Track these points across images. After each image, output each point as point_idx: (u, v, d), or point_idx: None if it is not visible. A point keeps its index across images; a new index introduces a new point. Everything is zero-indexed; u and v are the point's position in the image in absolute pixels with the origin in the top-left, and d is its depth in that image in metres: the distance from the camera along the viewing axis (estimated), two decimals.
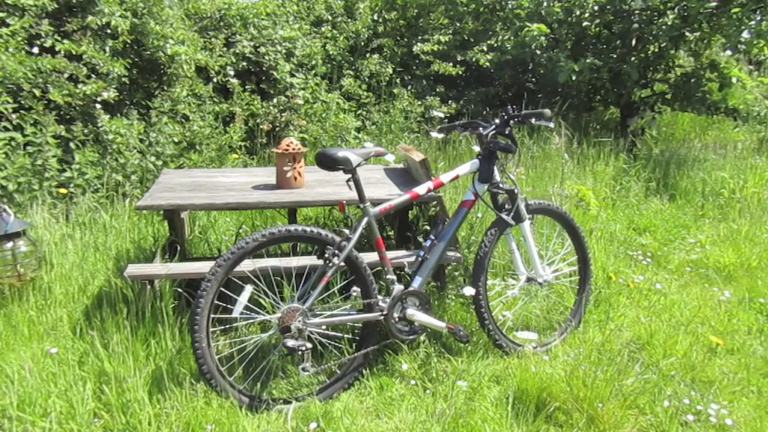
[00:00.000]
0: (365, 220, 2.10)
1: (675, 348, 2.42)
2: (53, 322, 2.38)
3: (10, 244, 2.54)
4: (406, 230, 3.04)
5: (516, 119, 2.34)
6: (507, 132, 2.36)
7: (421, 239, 2.66)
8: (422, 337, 2.33)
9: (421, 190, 2.27)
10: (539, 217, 2.78)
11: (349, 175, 2.07)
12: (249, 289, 2.00)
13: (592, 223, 3.57)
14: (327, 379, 2.13)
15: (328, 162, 2.06)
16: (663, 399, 2.07)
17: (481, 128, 2.35)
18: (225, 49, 4.62)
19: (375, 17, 5.77)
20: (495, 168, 2.37)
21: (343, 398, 2.07)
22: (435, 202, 2.80)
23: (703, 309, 2.81)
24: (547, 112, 2.25)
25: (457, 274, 2.81)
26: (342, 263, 2.03)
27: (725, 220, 4.15)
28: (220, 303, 2.02)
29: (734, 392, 2.18)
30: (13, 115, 3.30)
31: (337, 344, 2.22)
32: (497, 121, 2.38)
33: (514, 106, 2.43)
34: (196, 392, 1.94)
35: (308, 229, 2.05)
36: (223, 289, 1.99)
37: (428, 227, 2.86)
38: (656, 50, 5.50)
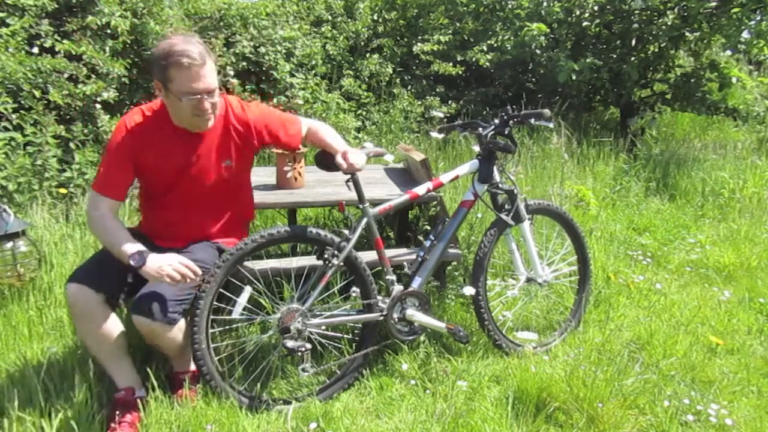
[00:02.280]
0: (364, 220, 2.10)
1: (675, 348, 2.42)
2: (53, 322, 2.38)
3: (10, 244, 2.54)
4: (407, 230, 3.04)
5: (515, 119, 2.34)
6: (506, 132, 2.36)
7: (421, 239, 2.67)
8: (422, 337, 2.33)
9: (420, 190, 2.27)
10: (539, 218, 2.78)
11: (348, 176, 2.07)
12: (248, 290, 2.00)
13: (592, 223, 3.57)
14: (327, 380, 2.13)
15: (327, 162, 2.06)
16: (663, 399, 2.07)
17: (480, 128, 2.36)
18: (225, 49, 4.62)
19: (375, 17, 5.77)
20: (494, 168, 2.37)
21: (343, 398, 2.07)
22: (435, 202, 2.80)
23: (703, 309, 2.81)
24: (547, 112, 2.25)
25: (457, 273, 2.81)
26: (341, 264, 2.03)
27: (725, 220, 4.15)
28: (220, 304, 2.02)
29: (734, 392, 2.18)
30: (13, 115, 3.30)
31: (337, 344, 2.22)
32: (496, 121, 2.38)
33: (514, 106, 2.43)
34: (195, 392, 1.94)
35: (307, 229, 2.05)
36: (222, 290, 1.99)
37: (429, 227, 2.86)
38: (656, 50, 5.50)
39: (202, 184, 1.99)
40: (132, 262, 1.76)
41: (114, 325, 1.88)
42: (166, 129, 1.92)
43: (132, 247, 1.79)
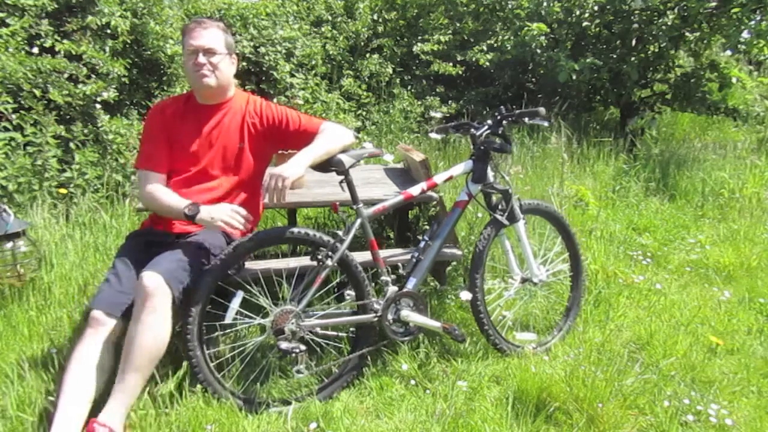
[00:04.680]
0: (359, 221, 2.10)
1: (675, 348, 2.41)
2: (53, 323, 2.38)
3: (10, 244, 2.54)
4: (406, 230, 3.04)
5: (509, 119, 2.33)
6: (500, 132, 2.36)
7: (421, 238, 2.67)
8: (421, 337, 2.33)
9: (414, 191, 2.27)
10: (534, 218, 2.78)
11: (342, 177, 2.07)
12: (240, 294, 2.00)
13: (591, 223, 3.57)
14: (325, 379, 2.13)
15: (321, 163, 2.06)
16: (663, 399, 2.07)
17: (473, 129, 2.35)
18: None
19: (375, 17, 5.77)
20: (489, 168, 2.36)
21: (343, 398, 2.07)
22: (435, 203, 2.80)
23: (703, 309, 2.81)
24: (542, 110, 2.23)
25: (456, 274, 2.81)
26: (335, 265, 2.02)
27: (725, 220, 4.14)
28: (217, 306, 2.02)
29: (734, 392, 2.18)
30: (13, 115, 3.30)
31: (335, 344, 2.21)
32: (490, 121, 2.37)
33: (513, 106, 2.43)
34: (195, 392, 1.94)
35: (300, 230, 2.04)
36: (215, 296, 1.99)
37: (428, 227, 2.86)
38: (656, 50, 5.50)
39: (222, 159, 2.13)
40: (187, 212, 1.94)
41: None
42: (191, 107, 2.16)
43: (184, 201, 1.98)
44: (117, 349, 1.85)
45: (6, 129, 3.28)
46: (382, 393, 2.11)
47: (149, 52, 3.98)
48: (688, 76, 5.51)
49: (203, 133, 2.12)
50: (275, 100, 4.65)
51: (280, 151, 2.63)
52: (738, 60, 6.81)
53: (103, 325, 1.82)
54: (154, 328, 1.79)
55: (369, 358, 2.19)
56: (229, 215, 1.95)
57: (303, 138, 2.10)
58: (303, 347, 1.94)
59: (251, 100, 2.22)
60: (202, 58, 2.04)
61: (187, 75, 2.13)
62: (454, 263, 2.80)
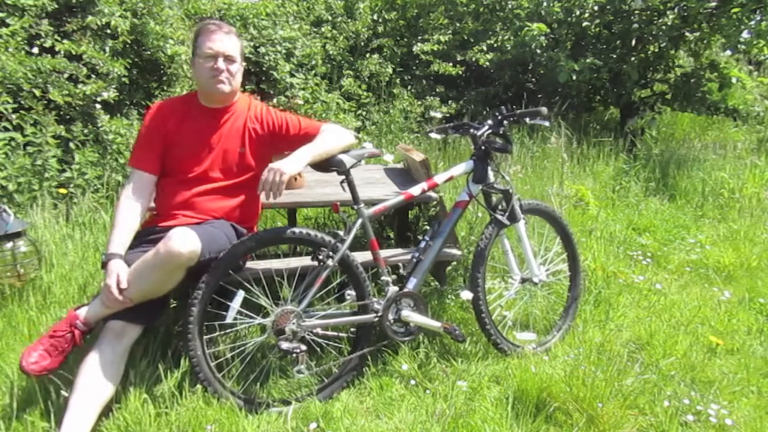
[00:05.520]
0: (359, 221, 2.10)
1: (675, 348, 2.42)
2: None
3: (10, 244, 2.54)
4: (406, 230, 3.04)
5: (510, 119, 2.33)
6: (501, 132, 2.36)
7: (421, 239, 2.67)
8: (422, 338, 2.33)
9: (415, 191, 2.27)
10: (533, 218, 2.78)
11: (343, 177, 2.07)
12: (241, 294, 2.00)
13: (591, 223, 3.57)
14: (325, 379, 2.13)
15: (321, 163, 2.06)
16: (663, 399, 2.07)
17: (473, 129, 2.35)
18: None
19: (375, 17, 5.77)
20: (489, 168, 2.36)
21: (343, 398, 2.07)
22: (435, 203, 2.80)
23: (703, 309, 2.82)
24: (543, 110, 2.23)
25: (456, 274, 2.81)
26: (336, 265, 2.02)
27: (725, 221, 4.15)
28: (218, 303, 2.02)
29: (734, 392, 2.18)
30: (13, 115, 3.29)
31: (336, 344, 2.21)
32: (490, 121, 2.37)
33: (513, 106, 2.43)
34: (195, 392, 1.94)
35: (300, 230, 2.04)
36: (216, 296, 1.99)
37: (428, 227, 2.86)
38: (656, 50, 5.50)
39: (223, 161, 2.12)
40: (103, 256, 1.92)
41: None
42: (193, 108, 2.13)
43: (114, 245, 1.92)
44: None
45: (6, 129, 3.28)
46: (382, 393, 2.11)
47: (149, 52, 3.97)
48: (688, 76, 5.51)
49: (205, 136, 2.12)
50: (275, 100, 4.65)
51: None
52: (738, 60, 6.82)
53: (122, 334, 1.86)
54: (157, 290, 1.86)
55: (369, 358, 2.20)
56: (106, 293, 1.83)
57: (305, 141, 2.10)
58: (304, 347, 1.95)
59: (253, 104, 2.22)
60: (221, 64, 2.03)
61: (197, 77, 2.09)
62: (454, 263, 2.80)
